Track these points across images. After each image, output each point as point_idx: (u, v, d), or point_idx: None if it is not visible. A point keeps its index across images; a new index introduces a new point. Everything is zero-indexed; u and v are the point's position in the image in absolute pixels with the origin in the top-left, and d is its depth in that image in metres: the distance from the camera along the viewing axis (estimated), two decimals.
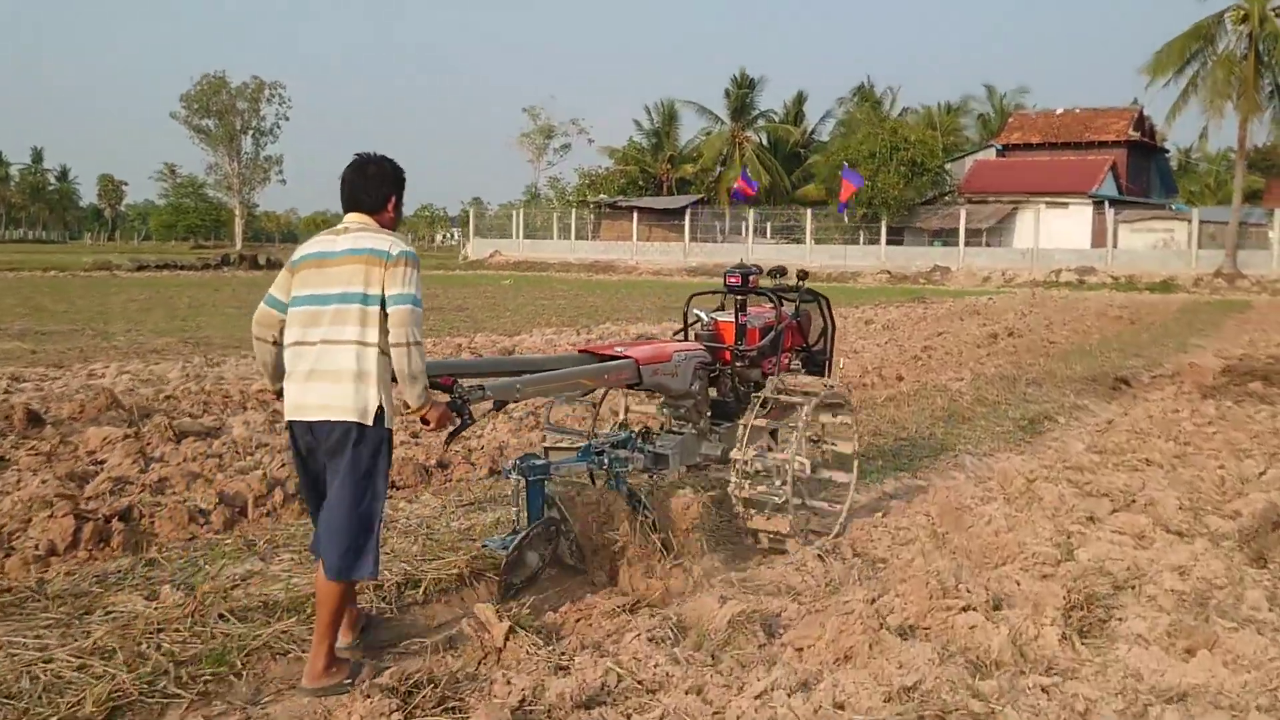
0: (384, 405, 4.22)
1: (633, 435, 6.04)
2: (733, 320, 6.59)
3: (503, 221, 69.97)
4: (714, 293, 7.09)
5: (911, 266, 51.17)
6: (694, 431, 6.32)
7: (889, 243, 54.33)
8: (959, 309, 27.89)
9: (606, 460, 5.64)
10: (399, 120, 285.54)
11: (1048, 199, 53.64)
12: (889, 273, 50.33)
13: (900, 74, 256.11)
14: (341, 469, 4.22)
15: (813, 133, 75.92)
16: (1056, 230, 51.66)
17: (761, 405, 6.18)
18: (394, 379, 4.30)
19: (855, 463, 6.64)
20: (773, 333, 6.64)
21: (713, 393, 6.61)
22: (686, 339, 6.75)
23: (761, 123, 74.64)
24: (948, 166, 59.37)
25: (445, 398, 4.56)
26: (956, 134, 71.05)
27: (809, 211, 57.06)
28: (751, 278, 6.50)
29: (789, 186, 70.23)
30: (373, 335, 4.19)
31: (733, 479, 6.06)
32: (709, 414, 6.49)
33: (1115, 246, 49.59)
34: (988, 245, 53.19)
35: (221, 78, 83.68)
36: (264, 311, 4.47)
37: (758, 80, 73.07)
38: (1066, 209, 53.05)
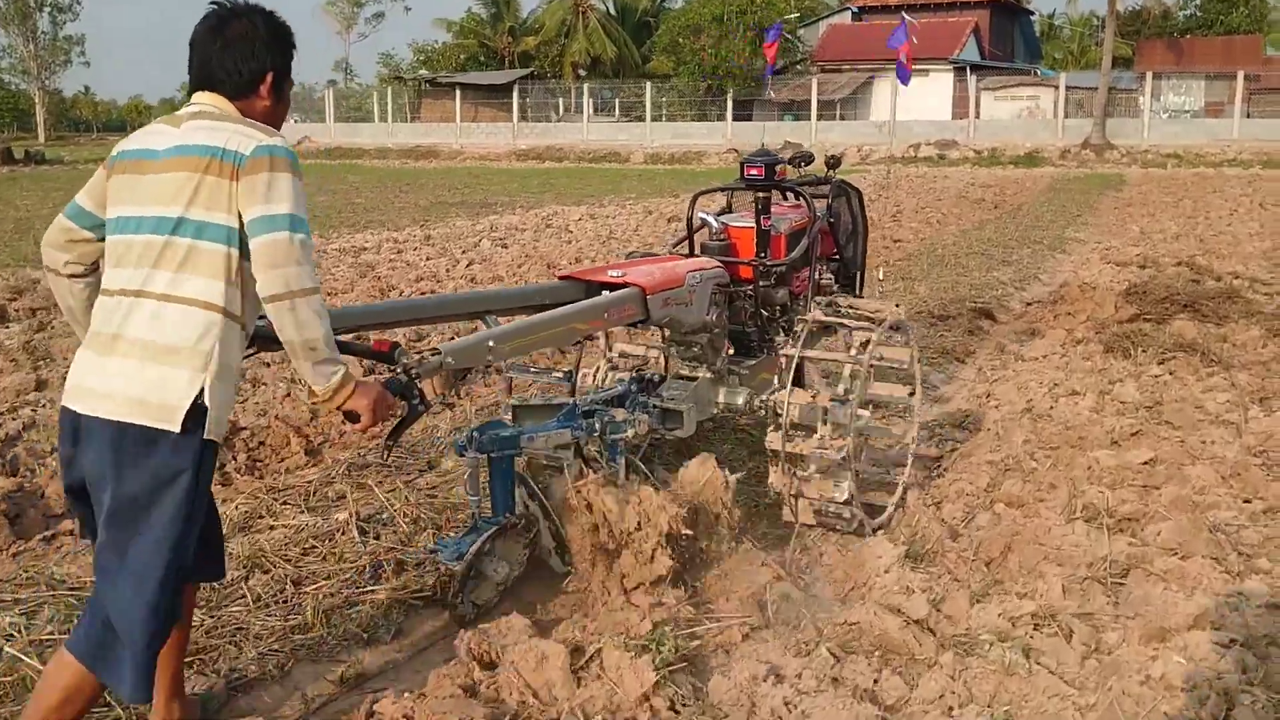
0: (207, 401, 2.64)
1: (631, 388, 4.68)
2: (750, 225, 5.22)
3: (322, 103, 62.92)
4: (725, 189, 5.70)
5: (760, 144, 46.33)
6: (709, 375, 4.97)
7: (736, 118, 49.35)
8: None
9: (598, 425, 4.16)
10: None
11: None
12: (736, 151, 45.44)
13: None
14: (112, 501, 2.61)
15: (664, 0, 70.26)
16: (915, 100, 47.14)
17: (809, 330, 4.74)
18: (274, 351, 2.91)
19: (915, 424, 5.24)
20: (805, 240, 5.31)
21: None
22: (691, 251, 5.37)
23: None
24: (800, 32, 54.48)
25: (373, 374, 3.87)
26: None
27: (648, 85, 51.76)
28: (779, 168, 5.19)
29: (638, 60, 65.37)
30: (205, 286, 2.65)
31: (770, 433, 4.53)
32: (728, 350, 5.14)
33: (978, 117, 45.47)
34: (842, 119, 48.65)
35: None
36: (55, 226, 2.89)
37: None
38: (926, 76, 48.57)
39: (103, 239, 2.84)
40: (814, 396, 4.55)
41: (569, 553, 4.03)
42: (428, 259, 13.23)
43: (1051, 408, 6.25)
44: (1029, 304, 10.16)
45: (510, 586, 4.00)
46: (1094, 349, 7.73)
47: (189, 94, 2.90)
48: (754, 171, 5.15)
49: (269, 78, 2.88)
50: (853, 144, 44.89)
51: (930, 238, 16.14)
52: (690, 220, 5.54)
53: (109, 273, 2.77)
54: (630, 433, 4.23)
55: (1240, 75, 41.23)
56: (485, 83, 57.40)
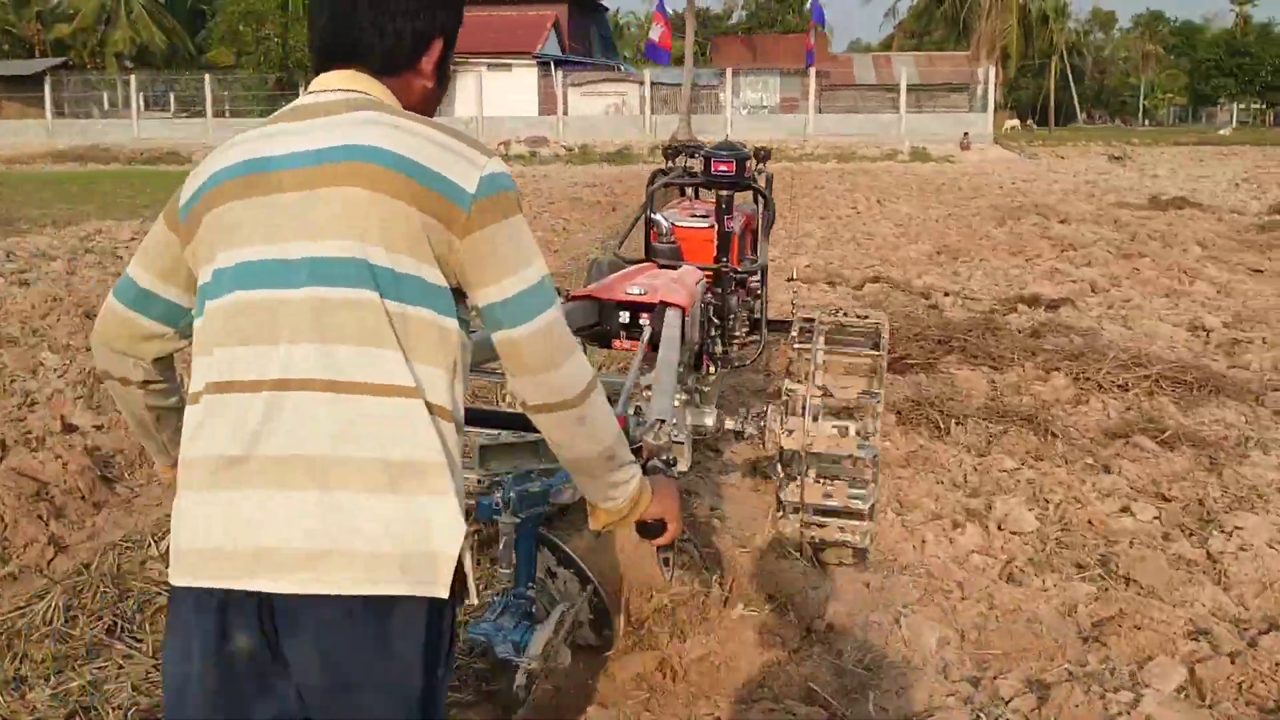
0: (461, 546, 1.64)
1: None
2: (698, 225, 4.77)
3: None
4: (685, 183, 5.15)
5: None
6: (683, 397, 4.05)
7: None
8: None
9: None
10: None
11: (489, 60, 47.18)
12: None
13: None
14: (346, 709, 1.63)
15: None
16: (502, 95, 45.43)
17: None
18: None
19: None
20: (764, 241, 4.96)
21: None
22: (648, 258, 4.71)
23: None
24: None
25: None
26: None
27: (208, 78, 46.66)
28: (748, 163, 4.62)
29: (192, 51, 59.81)
30: (418, 370, 1.65)
31: (787, 433, 3.83)
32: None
33: (566, 113, 44.33)
34: None
35: None
36: (110, 317, 1.89)
37: None
38: (510, 71, 47.04)
39: (182, 331, 1.86)
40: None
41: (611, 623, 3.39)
42: None
43: (923, 545, 4.06)
44: None
45: None
46: (886, 419, 5.68)
47: (315, 70, 1.87)
48: (724, 167, 4.59)
49: (437, 46, 1.87)
50: None
51: (565, 250, 13.97)
52: (647, 220, 4.89)
53: (228, 354, 1.66)
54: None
55: (813, 72, 42.59)
56: (8, 73, 49.68)
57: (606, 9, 62.67)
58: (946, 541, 4.11)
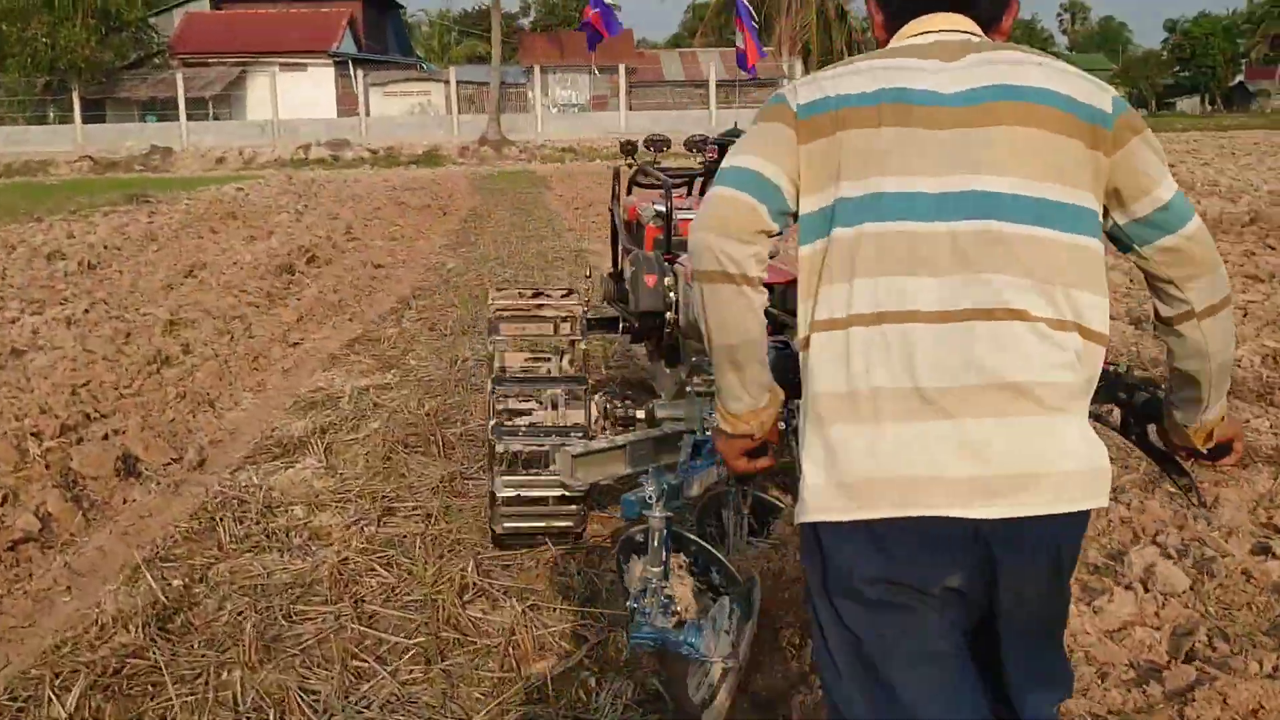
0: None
1: None
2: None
3: None
4: (684, 177, 5.31)
5: (122, 149, 39.66)
6: None
7: (87, 119, 42.09)
8: (204, 210, 18.64)
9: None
10: None
11: (282, 60, 44.79)
12: (92, 159, 38.59)
13: None
14: (1031, 622, 1.75)
15: None
16: (298, 97, 43.11)
17: None
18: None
19: None
20: None
21: None
22: (634, 246, 5.12)
23: None
24: (153, 21, 47.93)
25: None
26: None
27: None
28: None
29: None
30: (1087, 304, 1.70)
31: None
32: None
33: (369, 114, 42.40)
34: (216, 118, 43.29)
35: None
36: (735, 206, 1.78)
37: None
38: (305, 71, 44.74)
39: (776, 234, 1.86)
40: None
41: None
42: None
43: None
44: None
45: None
46: None
47: (904, 14, 1.89)
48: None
49: (1015, 5, 1.98)
50: (233, 146, 39.81)
51: (414, 259, 12.86)
52: (634, 209, 5.23)
53: (878, 284, 1.68)
54: None
55: (622, 69, 42.02)
56: None
57: (402, 6, 60.57)
58: (1089, 611, 3.30)
